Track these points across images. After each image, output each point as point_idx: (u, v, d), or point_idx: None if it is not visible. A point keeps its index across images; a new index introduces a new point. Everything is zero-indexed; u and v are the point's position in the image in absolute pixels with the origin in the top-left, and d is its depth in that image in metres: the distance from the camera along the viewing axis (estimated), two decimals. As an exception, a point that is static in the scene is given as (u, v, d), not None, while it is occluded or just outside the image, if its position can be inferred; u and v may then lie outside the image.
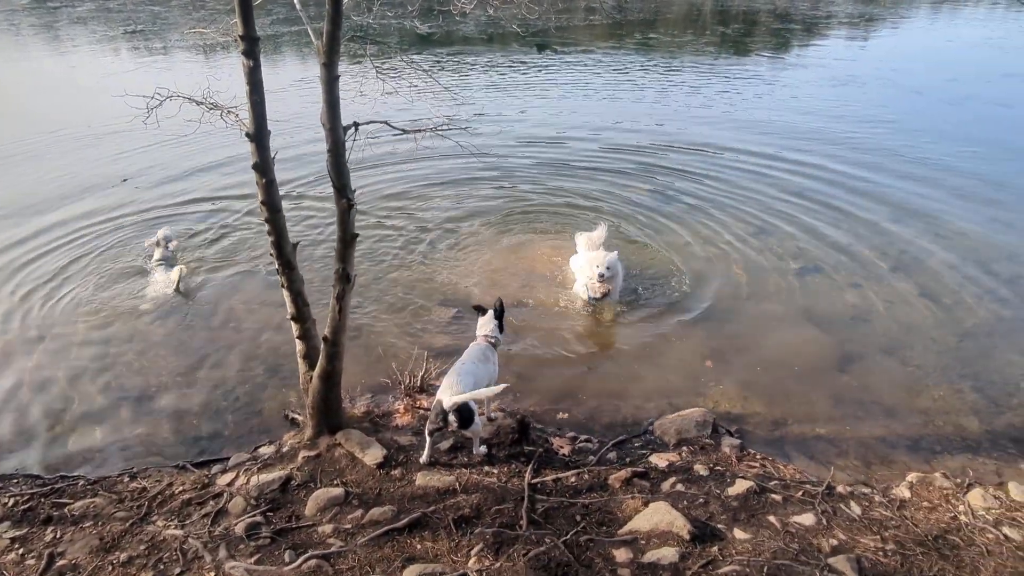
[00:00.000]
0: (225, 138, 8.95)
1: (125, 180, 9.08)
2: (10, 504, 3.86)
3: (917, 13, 25.45)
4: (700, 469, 3.83)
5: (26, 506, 3.83)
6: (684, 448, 4.09)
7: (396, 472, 3.87)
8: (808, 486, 3.74)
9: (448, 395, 3.72)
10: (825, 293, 6.14)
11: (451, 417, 3.66)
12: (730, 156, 9.65)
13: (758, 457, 4.07)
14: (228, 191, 8.59)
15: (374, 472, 3.87)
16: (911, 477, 3.90)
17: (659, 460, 3.95)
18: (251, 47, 3.14)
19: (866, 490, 3.78)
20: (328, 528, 3.46)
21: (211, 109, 3.63)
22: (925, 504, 3.63)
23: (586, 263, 5.86)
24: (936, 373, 4.99)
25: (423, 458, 3.95)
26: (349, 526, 3.45)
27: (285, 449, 4.21)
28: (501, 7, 3.29)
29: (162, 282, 6.26)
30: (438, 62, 16.22)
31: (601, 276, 5.60)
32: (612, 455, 4.05)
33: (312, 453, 4.04)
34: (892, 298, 5.97)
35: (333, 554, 3.21)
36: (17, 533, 3.59)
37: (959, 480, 3.85)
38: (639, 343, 5.47)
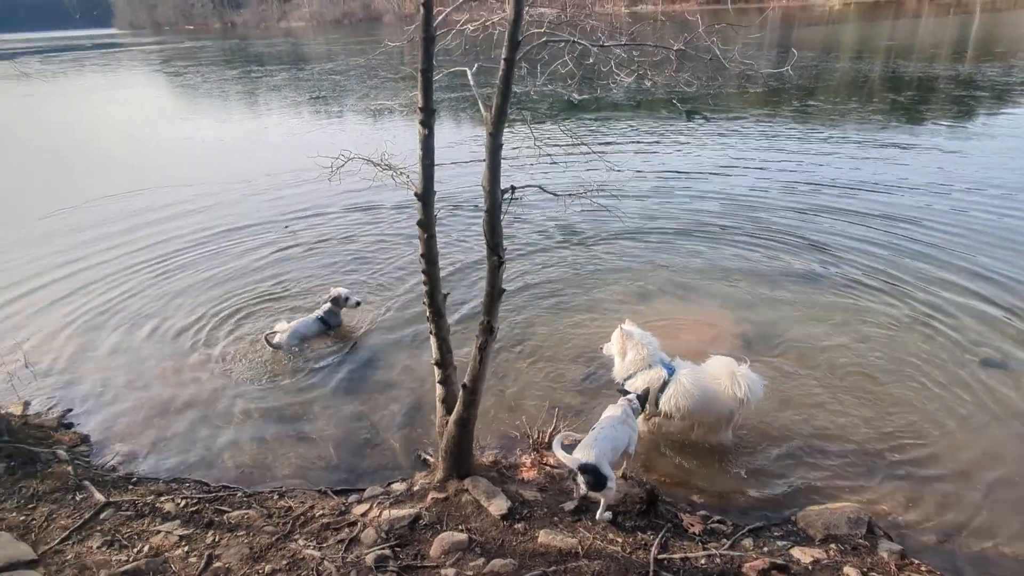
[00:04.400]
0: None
1: (287, 227, 10.24)
2: (181, 505, 4.34)
3: None
4: (851, 572, 3.46)
5: (194, 508, 4.28)
6: (832, 546, 3.71)
7: (519, 526, 3.88)
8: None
9: (584, 454, 3.78)
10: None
11: (580, 478, 3.67)
12: (910, 228, 9.00)
13: (923, 568, 3.59)
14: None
15: (498, 523, 3.92)
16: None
17: (802, 555, 3.62)
18: (428, 118, 3.52)
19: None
20: (451, 572, 3.52)
21: (385, 170, 4.07)
22: None
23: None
24: None
25: (569, 505, 4.04)
26: (471, 573, 3.49)
27: (416, 488, 4.39)
28: (660, 79, 3.42)
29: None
30: (587, 128, 16.86)
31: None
32: (747, 541, 3.78)
33: (441, 495, 4.17)
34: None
35: (455, 600, 3.27)
36: (184, 532, 4.02)
37: None
38: (784, 422, 5.10)
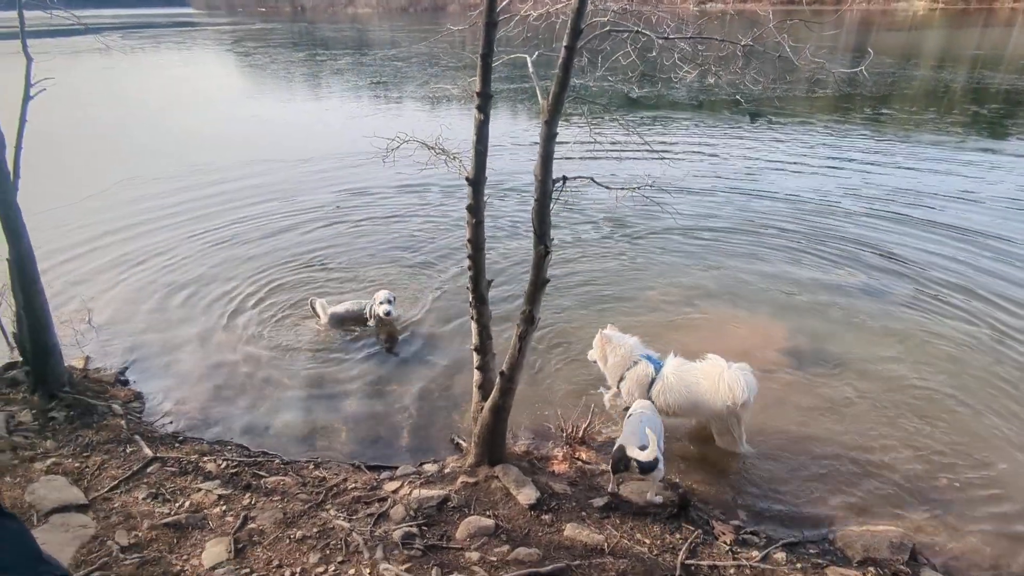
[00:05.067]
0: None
1: (338, 207, 10.45)
2: (222, 466, 4.51)
3: None
4: (888, 598, 3.32)
5: (234, 471, 4.44)
6: (871, 569, 3.56)
7: (546, 517, 3.88)
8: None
9: (633, 443, 3.92)
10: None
11: (633, 463, 3.83)
12: (986, 245, 8.57)
13: (966, 603, 3.42)
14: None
15: (525, 512, 3.92)
16: None
17: (837, 575, 3.49)
18: (484, 103, 3.52)
19: None
20: (475, 556, 3.55)
21: (439, 154, 4.10)
22: None
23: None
24: None
25: (610, 487, 4.15)
26: (494, 559, 3.51)
27: (447, 471, 4.44)
28: (725, 76, 3.32)
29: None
30: (646, 126, 16.62)
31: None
32: (780, 555, 3.66)
33: (471, 480, 4.20)
34: None
35: (477, 582, 3.29)
36: (223, 492, 4.17)
37: None
38: (831, 439, 4.92)
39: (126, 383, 5.73)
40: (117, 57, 33.11)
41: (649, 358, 4.79)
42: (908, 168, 12.47)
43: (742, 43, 3.37)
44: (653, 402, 4.65)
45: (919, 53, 33.40)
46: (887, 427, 5.04)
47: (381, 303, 6.50)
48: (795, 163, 12.76)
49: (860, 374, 5.74)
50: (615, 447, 4.03)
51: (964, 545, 3.94)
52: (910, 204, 10.21)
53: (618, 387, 4.90)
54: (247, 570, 3.37)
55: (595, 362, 5.06)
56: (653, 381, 4.70)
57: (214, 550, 3.51)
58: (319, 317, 6.71)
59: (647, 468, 3.87)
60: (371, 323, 6.71)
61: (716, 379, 4.50)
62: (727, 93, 17.59)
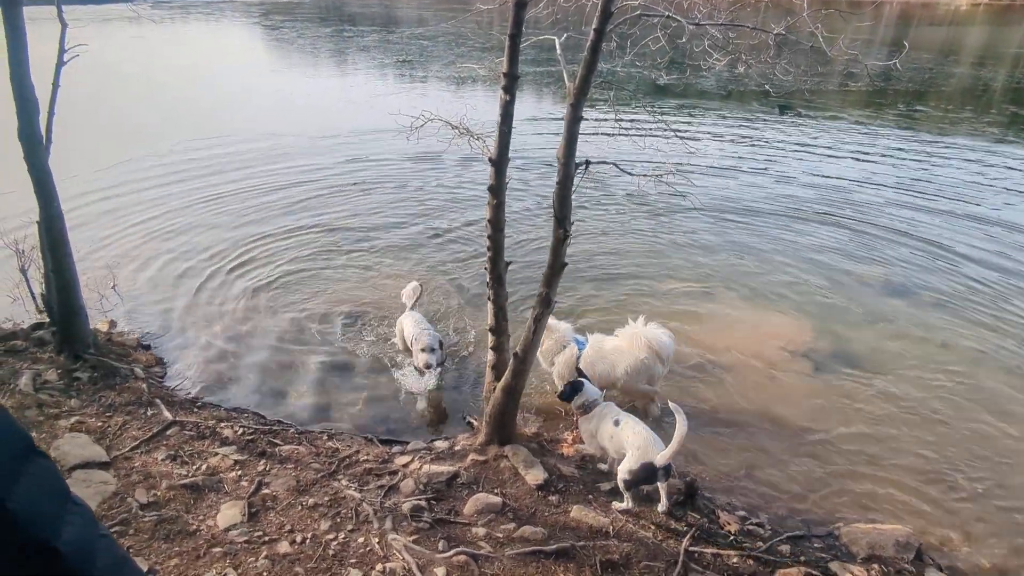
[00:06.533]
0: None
1: (356, 183, 10.50)
2: (239, 433, 4.61)
3: None
4: (891, 595, 3.33)
5: (250, 438, 4.55)
6: (875, 566, 3.57)
7: (553, 498, 3.93)
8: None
9: (652, 453, 3.73)
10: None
11: (660, 472, 3.70)
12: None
13: (971, 605, 3.42)
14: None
15: (533, 492, 3.97)
16: None
17: (840, 570, 3.49)
18: (511, 83, 3.52)
19: None
20: (481, 531, 3.61)
21: (463, 134, 4.11)
22: None
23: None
24: None
25: (626, 504, 3.88)
26: (500, 535, 3.57)
27: (457, 448, 4.50)
28: (756, 66, 3.28)
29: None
30: (672, 114, 16.45)
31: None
32: (785, 548, 3.68)
33: (480, 458, 4.26)
34: None
35: (482, 556, 3.34)
36: (239, 457, 4.27)
37: None
38: (845, 438, 4.91)
39: (147, 348, 5.87)
40: (147, 26, 33.33)
41: (577, 341, 5.07)
42: (940, 167, 12.21)
43: (774, 32, 3.31)
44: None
45: (959, 49, 32.42)
46: (901, 427, 5.01)
47: (423, 350, 5.17)
48: (824, 159, 12.54)
49: (877, 372, 5.69)
50: (633, 464, 3.76)
51: (972, 549, 3.92)
52: (941, 206, 9.99)
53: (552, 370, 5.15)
54: (260, 533, 3.46)
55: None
56: (579, 359, 4.96)
57: (229, 512, 3.61)
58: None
59: (669, 472, 3.76)
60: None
61: (631, 339, 4.82)
62: (756, 83, 17.26)
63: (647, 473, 3.72)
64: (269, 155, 12.02)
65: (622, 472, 3.82)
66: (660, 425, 4.71)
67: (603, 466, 4.36)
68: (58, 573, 1.38)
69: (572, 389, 4.28)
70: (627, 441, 3.88)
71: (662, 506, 3.84)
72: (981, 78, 23.40)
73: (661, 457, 3.67)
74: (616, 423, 4.03)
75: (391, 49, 28.07)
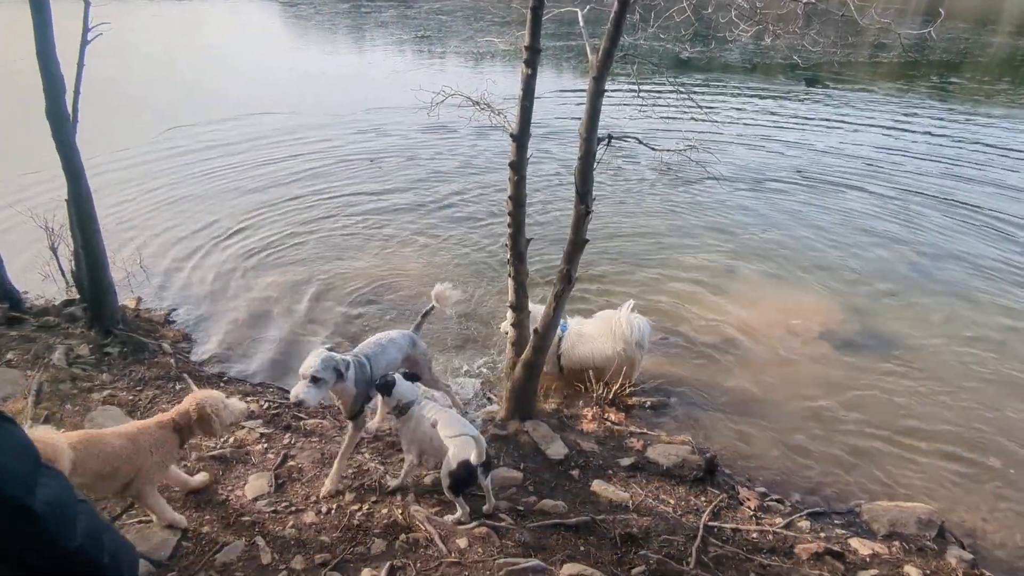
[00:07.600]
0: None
1: (372, 160, 10.52)
2: (265, 407, 4.70)
3: None
4: (911, 571, 3.32)
5: (275, 412, 4.63)
6: (895, 543, 3.56)
7: (573, 473, 3.96)
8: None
9: (468, 450, 3.31)
10: None
11: None
12: None
13: (994, 583, 3.40)
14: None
15: (553, 466, 4.01)
16: None
17: (860, 546, 3.50)
18: (532, 57, 3.48)
19: None
20: (502, 504, 3.66)
21: (483, 109, 4.08)
22: None
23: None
24: None
25: (457, 516, 3.43)
26: (521, 508, 3.62)
27: (477, 423, 4.55)
28: (784, 36, 3.20)
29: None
30: (696, 89, 16.15)
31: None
32: (805, 524, 3.69)
33: (501, 433, 4.31)
34: None
35: (503, 528, 3.40)
36: (265, 431, 4.36)
37: None
38: (868, 417, 4.87)
39: (174, 324, 5.98)
40: (167, 5, 33.37)
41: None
42: (974, 141, 11.86)
43: (803, 0, 3.22)
44: (560, 363, 4.96)
45: (997, 18, 31.23)
46: (926, 406, 4.96)
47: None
48: (852, 133, 12.29)
49: (902, 350, 5.63)
50: (452, 466, 3.29)
51: (996, 527, 3.90)
52: (977, 183, 9.73)
53: None
54: (286, 503, 3.55)
55: (507, 333, 4.65)
56: (561, 341, 4.97)
57: (256, 483, 3.70)
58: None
59: (490, 467, 3.42)
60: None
61: (612, 323, 4.83)
62: (783, 56, 16.84)
63: (468, 472, 3.29)
64: (293, 133, 12.08)
65: (443, 478, 3.36)
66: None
67: (428, 477, 3.82)
68: (37, 537, 1.34)
69: (384, 386, 3.55)
70: (445, 442, 3.42)
71: (487, 506, 3.51)
72: (1020, 48, 22.53)
73: (475, 455, 3.27)
74: (434, 424, 3.51)
75: (409, 24, 27.85)
